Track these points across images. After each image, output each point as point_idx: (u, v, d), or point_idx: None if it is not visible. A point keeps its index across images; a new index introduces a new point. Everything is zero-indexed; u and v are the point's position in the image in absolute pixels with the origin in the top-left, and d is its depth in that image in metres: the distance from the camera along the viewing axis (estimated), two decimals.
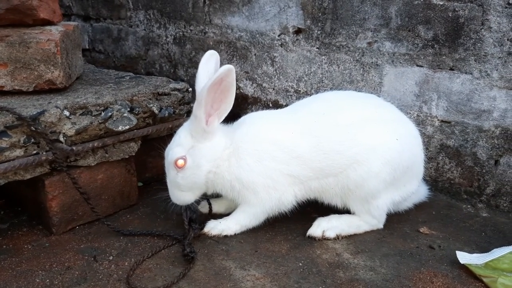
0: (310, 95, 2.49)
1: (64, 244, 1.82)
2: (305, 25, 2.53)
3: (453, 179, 2.24)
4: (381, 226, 1.93)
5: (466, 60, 2.08)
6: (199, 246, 1.81)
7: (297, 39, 2.58)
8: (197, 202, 1.90)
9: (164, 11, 3.21)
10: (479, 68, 2.05)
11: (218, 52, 2.94)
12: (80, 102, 1.88)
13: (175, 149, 1.77)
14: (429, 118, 2.24)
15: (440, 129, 2.22)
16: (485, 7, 1.98)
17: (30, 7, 1.96)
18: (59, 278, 1.61)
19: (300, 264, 1.70)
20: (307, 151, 1.78)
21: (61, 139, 1.79)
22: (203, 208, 2.03)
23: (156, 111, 2.09)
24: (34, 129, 1.69)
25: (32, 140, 1.72)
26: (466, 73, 2.09)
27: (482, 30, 2.01)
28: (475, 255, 1.71)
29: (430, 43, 2.15)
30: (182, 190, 1.82)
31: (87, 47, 3.87)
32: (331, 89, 2.51)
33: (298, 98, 2.62)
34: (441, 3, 2.09)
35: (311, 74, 2.57)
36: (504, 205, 2.12)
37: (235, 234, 1.88)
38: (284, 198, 1.82)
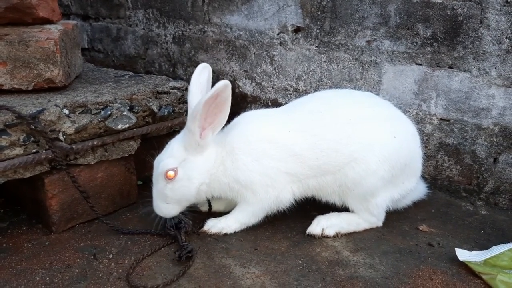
0: (309, 94, 2.50)
1: (64, 243, 1.82)
2: (304, 24, 2.53)
3: (452, 177, 2.25)
4: (380, 224, 1.94)
5: (464, 58, 2.08)
6: (199, 244, 1.81)
7: (296, 38, 2.58)
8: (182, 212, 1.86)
9: (163, 10, 3.21)
10: (478, 66, 2.06)
11: (217, 51, 2.96)
12: (80, 100, 1.89)
13: (167, 160, 1.75)
14: (428, 116, 2.24)
15: (439, 127, 2.22)
16: (483, 5, 1.98)
17: (30, 5, 1.96)
18: (59, 276, 1.61)
19: (300, 261, 1.70)
20: (304, 149, 1.78)
21: (61, 137, 1.79)
22: (203, 206, 2.03)
23: (156, 110, 2.10)
24: (33, 127, 1.69)
25: (32, 138, 1.72)
26: (465, 71, 2.10)
27: (481, 28, 2.01)
28: (474, 252, 1.72)
29: (429, 42, 2.15)
30: (168, 203, 1.79)
31: (86, 46, 3.87)
32: (330, 87, 2.52)
33: (297, 97, 2.62)
34: (439, 1, 2.09)
35: (310, 73, 2.57)
36: (503, 202, 2.13)
37: (234, 232, 1.89)
38: (282, 196, 1.82)
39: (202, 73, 1.88)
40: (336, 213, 1.91)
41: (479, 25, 2.01)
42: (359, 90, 2.39)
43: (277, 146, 1.78)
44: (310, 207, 1.96)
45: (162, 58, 3.34)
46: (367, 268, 1.67)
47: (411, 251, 1.78)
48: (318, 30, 2.49)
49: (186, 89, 2.27)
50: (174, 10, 3.14)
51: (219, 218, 1.91)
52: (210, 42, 2.99)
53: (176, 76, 3.24)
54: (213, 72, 3.01)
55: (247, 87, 2.87)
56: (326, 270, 1.65)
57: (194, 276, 1.61)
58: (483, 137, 2.11)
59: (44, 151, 1.75)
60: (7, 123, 1.67)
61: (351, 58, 2.41)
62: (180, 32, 3.15)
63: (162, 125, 2.14)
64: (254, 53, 2.78)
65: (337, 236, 1.86)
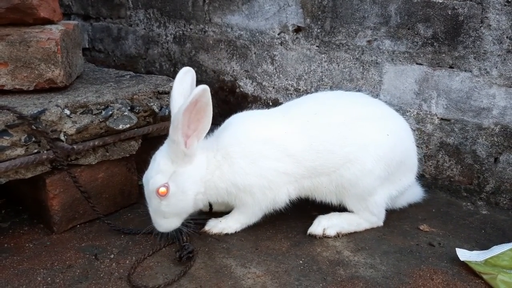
0: (310, 94, 2.50)
1: (65, 243, 1.83)
2: (304, 24, 2.53)
3: (453, 176, 2.25)
4: (381, 223, 1.94)
5: (465, 58, 2.08)
6: (200, 244, 1.81)
7: (296, 38, 2.59)
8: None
9: (164, 10, 3.22)
10: (479, 66, 2.06)
11: (218, 50, 2.96)
12: (81, 101, 1.89)
13: (156, 177, 1.67)
14: (428, 116, 2.24)
15: (439, 127, 2.22)
16: (484, 5, 1.98)
17: (31, 6, 1.96)
18: (60, 276, 1.61)
19: (301, 261, 1.71)
20: (300, 151, 1.77)
21: (62, 138, 1.79)
22: (204, 207, 2.03)
23: (157, 110, 2.10)
24: (35, 128, 1.70)
25: (33, 139, 1.72)
26: (465, 71, 2.09)
27: (482, 28, 2.01)
28: (475, 252, 1.72)
29: (429, 41, 2.15)
30: (167, 218, 1.73)
31: (87, 46, 3.87)
32: (331, 87, 2.52)
33: (298, 97, 2.61)
34: (440, 1, 2.09)
35: (311, 73, 2.58)
36: (504, 202, 2.13)
37: (235, 232, 1.89)
38: (278, 198, 1.81)
39: (185, 78, 1.79)
40: (337, 213, 1.91)
41: (480, 24, 2.01)
42: (360, 90, 2.40)
43: (273, 146, 1.76)
44: (311, 207, 1.96)
45: (163, 58, 3.34)
46: (368, 268, 1.67)
47: (411, 251, 1.78)
48: (318, 30, 2.49)
49: None
50: (175, 10, 3.14)
51: (220, 219, 1.91)
52: (211, 42, 2.99)
53: None
54: (214, 72, 3.03)
55: (248, 87, 2.87)
56: (327, 270, 1.66)
57: (195, 276, 1.61)
58: (484, 137, 2.11)
59: (45, 152, 1.76)
60: (9, 123, 1.67)
61: (351, 58, 2.41)
62: (180, 32, 3.16)
63: (163, 125, 2.14)
64: (255, 53, 2.78)
65: (338, 236, 1.86)
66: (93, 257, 1.73)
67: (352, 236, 1.88)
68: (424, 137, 2.27)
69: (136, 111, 2.02)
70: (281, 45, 2.65)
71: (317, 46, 2.52)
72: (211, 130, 1.76)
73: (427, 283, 1.58)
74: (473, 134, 2.14)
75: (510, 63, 1.98)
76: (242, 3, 2.75)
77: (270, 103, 2.78)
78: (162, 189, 1.67)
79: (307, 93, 2.60)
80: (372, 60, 2.34)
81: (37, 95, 1.95)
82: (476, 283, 1.58)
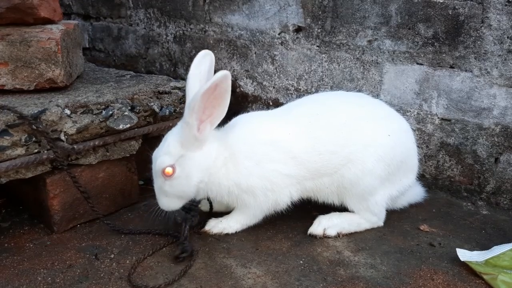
0: (311, 94, 2.50)
1: (65, 243, 1.83)
2: (305, 24, 2.53)
3: (453, 177, 2.25)
4: (381, 223, 1.94)
5: (466, 58, 2.08)
6: (200, 244, 1.81)
7: (297, 38, 2.58)
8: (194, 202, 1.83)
9: (164, 10, 3.21)
10: (479, 66, 2.05)
11: (218, 50, 2.96)
12: (81, 100, 1.89)
13: (163, 157, 1.69)
14: (429, 116, 2.24)
15: (440, 127, 2.22)
16: (485, 4, 1.98)
17: (31, 6, 1.96)
18: (60, 276, 1.61)
19: (301, 261, 1.71)
20: (303, 152, 1.77)
21: (62, 137, 1.79)
22: (204, 206, 2.03)
23: (157, 110, 2.10)
24: (35, 127, 1.70)
25: (33, 138, 1.72)
26: (466, 71, 2.09)
27: (482, 28, 2.01)
28: (475, 252, 1.72)
29: (430, 41, 2.15)
30: (169, 197, 1.75)
31: (87, 46, 3.87)
32: (331, 87, 2.52)
33: (298, 97, 2.62)
34: (441, 1, 2.09)
35: (312, 73, 2.57)
36: (504, 202, 2.13)
37: (236, 232, 1.89)
38: (280, 200, 1.81)
39: (203, 61, 1.78)
40: (337, 213, 1.91)
41: (481, 24, 2.01)
42: (361, 89, 2.40)
43: (278, 148, 1.76)
44: (311, 207, 1.96)
45: (163, 58, 3.34)
46: (368, 268, 1.67)
47: (412, 251, 1.78)
48: (319, 30, 2.49)
49: None
50: (175, 9, 3.14)
51: (220, 219, 1.91)
52: (211, 41, 2.99)
53: (177, 76, 3.25)
54: (214, 71, 3.02)
55: (248, 87, 2.87)
56: (327, 270, 1.66)
57: (195, 276, 1.61)
58: (484, 137, 2.11)
59: (45, 151, 1.76)
60: (9, 123, 1.67)
61: (352, 57, 2.41)
62: (181, 32, 3.15)
63: (164, 125, 2.14)
64: (255, 53, 2.78)
65: (339, 236, 1.87)
66: (94, 257, 1.73)
67: (352, 236, 1.88)
68: (425, 137, 2.27)
69: (137, 111, 2.02)
70: (282, 45, 2.65)
71: (317, 46, 2.51)
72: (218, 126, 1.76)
73: (428, 283, 1.58)
74: (473, 134, 2.14)
75: (510, 63, 1.98)
76: (242, 3, 2.75)
77: (271, 103, 2.78)
78: (168, 169, 1.68)
79: (308, 93, 2.60)
80: (372, 60, 2.34)
81: (38, 95, 1.95)
82: (476, 283, 1.58)
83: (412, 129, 2.22)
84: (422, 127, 2.27)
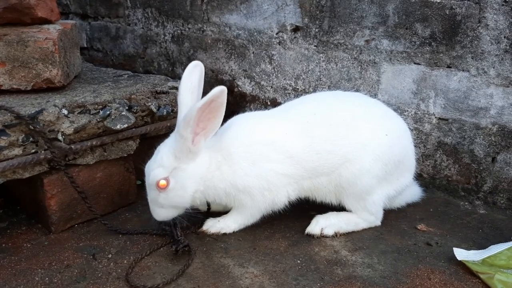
0: (308, 93, 2.51)
1: (63, 243, 1.83)
2: (303, 23, 2.53)
3: (451, 176, 2.25)
4: (378, 223, 1.94)
5: (463, 58, 2.08)
6: (198, 243, 1.81)
7: (295, 37, 2.59)
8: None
9: (162, 9, 3.21)
10: (476, 66, 2.06)
11: (216, 50, 2.96)
12: (79, 100, 1.89)
13: (157, 170, 1.69)
14: (426, 115, 2.24)
15: (437, 127, 2.23)
16: (482, 4, 1.98)
17: (28, 5, 1.96)
18: (58, 276, 1.61)
19: (298, 261, 1.71)
20: (300, 151, 1.77)
21: (60, 137, 1.79)
22: (202, 206, 2.03)
23: (155, 110, 2.10)
24: (32, 128, 1.70)
25: (31, 139, 1.72)
26: (463, 70, 2.10)
27: (479, 27, 2.01)
28: (472, 251, 1.72)
29: (427, 41, 2.16)
30: (164, 208, 1.76)
31: (85, 45, 3.87)
32: (329, 87, 2.52)
33: (296, 96, 2.62)
34: (438, 0, 2.09)
35: (309, 72, 2.58)
36: (501, 202, 2.13)
37: (233, 232, 1.89)
38: (277, 199, 1.82)
39: (193, 72, 1.79)
40: (335, 212, 1.91)
41: (478, 24, 2.02)
42: (358, 89, 2.40)
43: (274, 148, 1.77)
44: (309, 206, 1.97)
45: (161, 57, 3.34)
46: (366, 268, 1.67)
47: (409, 250, 1.78)
48: (317, 30, 2.49)
49: None
50: (173, 9, 3.14)
51: (218, 218, 1.91)
52: (209, 41, 2.99)
53: (175, 75, 3.24)
54: (212, 71, 3.02)
55: (246, 86, 2.87)
56: (324, 269, 1.66)
57: (193, 276, 1.61)
58: (482, 136, 2.12)
59: (43, 151, 1.76)
60: (6, 123, 1.67)
61: (349, 57, 2.41)
62: (179, 31, 3.15)
63: (161, 125, 2.14)
64: (253, 53, 2.78)
65: (336, 235, 1.87)
66: (91, 257, 1.73)
67: (350, 235, 1.88)
68: (422, 136, 2.28)
69: (134, 111, 2.02)
70: (279, 45, 2.65)
71: (315, 45, 2.52)
72: None
73: (425, 283, 1.59)
74: (470, 133, 2.14)
75: (507, 62, 1.98)
76: (240, 3, 2.75)
77: (268, 103, 2.78)
78: (162, 182, 1.69)
79: (305, 92, 2.61)
80: (370, 60, 2.35)
81: (35, 95, 1.95)
82: (473, 282, 1.59)
83: (410, 128, 2.22)
84: (420, 126, 2.27)
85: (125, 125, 1.95)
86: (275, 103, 2.73)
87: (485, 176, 2.15)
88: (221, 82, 2.98)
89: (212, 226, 1.89)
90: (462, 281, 1.60)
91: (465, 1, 2.02)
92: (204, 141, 1.69)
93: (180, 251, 1.70)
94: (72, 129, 1.81)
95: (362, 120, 1.83)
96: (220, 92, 1.58)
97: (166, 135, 1.94)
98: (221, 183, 1.76)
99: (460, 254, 1.69)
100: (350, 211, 1.89)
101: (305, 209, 1.98)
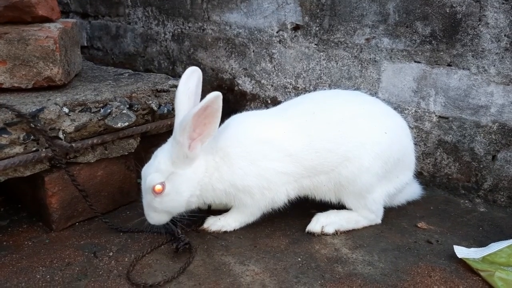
0: (309, 92, 2.51)
1: (64, 241, 1.83)
2: (303, 22, 2.53)
3: (451, 174, 2.26)
4: (379, 221, 1.95)
5: (463, 56, 2.09)
6: (198, 241, 1.82)
7: (295, 36, 2.59)
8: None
9: (163, 8, 3.21)
10: (477, 64, 2.06)
11: (216, 48, 2.96)
12: (79, 99, 1.89)
13: (153, 175, 1.70)
14: (427, 114, 2.25)
15: (438, 125, 2.23)
16: (482, 3, 1.99)
17: (29, 4, 1.96)
18: (59, 274, 1.62)
19: (299, 259, 1.71)
20: (299, 150, 1.77)
21: (61, 136, 1.80)
22: (203, 205, 2.03)
23: (155, 108, 2.10)
24: (33, 126, 1.70)
25: (32, 137, 1.72)
26: (463, 68, 2.10)
27: (480, 26, 2.02)
28: (472, 249, 1.72)
29: (427, 39, 2.16)
30: (158, 212, 1.76)
31: (85, 44, 3.87)
32: (329, 85, 2.52)
33: (296, 95, 2.62)
34: None
35: (310, 71, 2.58)
36: (502, 200, 2.14)
37: (234, 230, 1.89)
38: (277, 198, 1.82)
39: (191, 77, 1.80)
40: (335, 210, 1.91)
41: (478, 22, 2.02)
42: (358, 87, 2.40)
43: (272, 146, 1.77)
44: (309, 205, 1.97)
45: (162, 56, 3.34)
46: (366, 265, 1.67)
47: (409, 248, 1.79)
48: (317, 28, 2.49)
49: None
50: (173, 8, 3.14)
51: (218, 216, 1.92)
52: (210, 40, 2.99)
53: (176, 74, 3.25)
54: (213, 69, 3.03)
55: (247, 85, 2.87)
56: (325, 267, 1.66)
57: (194, 274, 1.62)
58: (482, 134, 2.12)
59: (44, 150, 1.76)
60: (7, 121, 1.67)
61: (350, 56, 2.41)
62: (179, 30, 3.16)
63: (162, 123, 2.15)
64: (253, 51, 2.78)
65: (337, 233, 1.87)
66: (92, 254, 1.73)
67: (350, 233, 1.89)
68: (422, 135, 2.28)
69: (135, 109, 2.02)
70: (280, 43, 2.65)
71: (315, 44, 2.52)
72: None
73: (425, 280, 1.59)
74: (471, 132, 2.15)
75: (508, 61, 1.98)
76: (240, 1, 2.75)
77: (269, 101, 2.78)
78: (158, 187, 1.69)
79: (306, 91, 2.61)
80: (370, 58, 2.35)
81: (36, 93, 1.96)
82: (473, 280, 1.59)
83: (410, 127, 2.23)
84: (420, 125, 2.27)
85: (126, 124, 1.95)
86: (275, 102, 2.73)
87: (485, 174, 2.16)
88: (221, 81, 2.98)
89: (213, 224, 1.89)
90: (463, 278, 1.60)
91: (466, 0, 2.03)
92: (200, 147, 1.69)
93: (181, 249, 1.71)
94: (73, 128, 1.82)
95: (361, 119, 1.83)
96: (215, 97, 1.57)
97: (166, 133, 1.95)
98: (220, 184, 1.76)
99: (461, 252, 1.70)
100: (350, 209, 1.90)
101: (305, 207, 1.98)
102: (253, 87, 2.84)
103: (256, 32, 2.74)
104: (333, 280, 1.59)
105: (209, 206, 2.02)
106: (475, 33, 2.03)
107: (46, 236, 1.86)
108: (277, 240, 1.84)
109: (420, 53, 2.19)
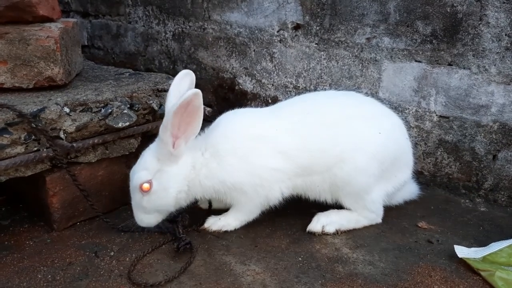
0: (309, 91, 2.51)
1: (65, 240, 1.83)
2: (304, 21, 2.53)
3: (452, 174, 2.26)
4: (379, 220, 1.95)
5: (464, 56, 2.08)
6: (199, 241, 1.82)
7: (296, 35, 2.59)
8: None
9: (163, 7, 3.21)
10: (477, 63, 2.06)
11: (217, 48, 2.97)
12: (80, 99, 1.89)
13: (141, 173, 1.72)
14: (427, 113, 2.25)
15: (438, 124, 2.23)
16: (483, 2, 1.98)
17: (30, 4, 1.96)
18: (61, 274, 1.62)
19: (300, 258, 1.71)
20: (292, 148, 1.77)
21: (62, 136, 1.80)
22: (203, 204, 2.04)
23: (156, 108, 2.10)
24: (34, 126, 1.70)
25: (33, 137, 1.73)
26: (464, 68, 2.10)
27: (480, 25, 2.01)
28: (473, 249, 1.73)
29: (428, 39, 2.16)
30: (147, 213, 1.77)
31: (86, 43, 3.87)
32: (330, 85, 2.52)
33: (297, 94, 2.62)
34: None
35: (310, 70, 2.58)
36: (502, 199, 2.14)
37: (235, 229, 1.90)
38: (271, 195, 1.81)
39: (183, 80, 1.82)
40: (336, 210, 1.91)
41: (479, 22, 2.02)
42: (359, 87, 2.40)
43: (263, 142, 1.76)
44: (310, 204, 1.97)
45: (162, 55, 3.34)
46: (367, 265, 1.68)
47: (410, 248, 1.79)
48: (318, 27, 2.49)
49: None
50: (174, 7, 3.14)
51: (219, 216, 1.92)
52: (210, 39, 2.99)
53: (176, 73, 3.21)
54: (213, 69, 3.03)
55: (247, 84, 2.87)
56: (326, 267, 1.66)
57: (195, 273, 1.62)
58: (483, 134, 2.12)
59: (45, 150, 1.76)
60: (8, 121, 1.67)
61: (350, 55, 2.41)
62: (180, 29, 3.16)
63: None
64: (254, 50, 2.78)
65: (337, 233, 1.87)
66: (93, 254, 1.74)
67: (351, 233, 1.89)
68: (423, 134, 2.28)
69: (136, 109, 2.02)
70: (280, 43, 2.65)
71: (316, 43, 2.52)
72: (203, 128, 1.77)
73: (426, 280, 1.59)
74: (471, 131, 2.15)
75: (508, 60, 1.98)
76: (241, 0, 2.75)
77: (269, 100, 2.78)
78: (145, 185, 1.71)
79: (307, 90, 2.61)
80: (371, 58, 2.35)
81: (37, 93, 1.96)
82: (474, 279, 1.59)
83: (411, 126, 2.23)
84: (421, 124, 2.27)
85: (127, 123, 1.95)
86: (276, 101, 2.73)
87: (486, 173, 2.16)
88: (222, 80, 2.98)
89: (214, 224, 1.90)
90: (463, 278, 1.60)
91: None
92: (185, 144, 1.70)
93: (181, 248, 1.71)
94: (74, 127, 1.82)
95: (355, 119, 1.82)
96: (193, 95, 1.58)
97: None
98: (208, 180, 1.76)
99: (461, 251, 1.70)
100: (349, 209, 1.90)
101: (306, 207, 1.98)
102: (253, 87, 2.85)
103: (256, 31, 2.74)
104: (333, 280, 1.59)
105: (210, 206, 2.03)
106: (476, 32, 2.03)
107: (47, 236, 1.87)
108: (278, 239, 1.84)
109: (420, 53, 2.19)
